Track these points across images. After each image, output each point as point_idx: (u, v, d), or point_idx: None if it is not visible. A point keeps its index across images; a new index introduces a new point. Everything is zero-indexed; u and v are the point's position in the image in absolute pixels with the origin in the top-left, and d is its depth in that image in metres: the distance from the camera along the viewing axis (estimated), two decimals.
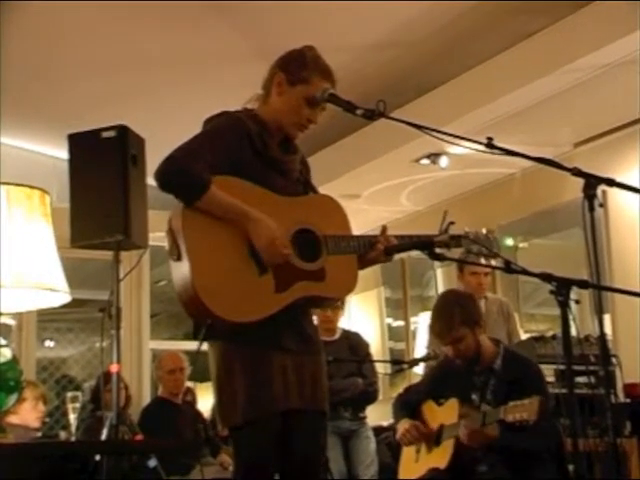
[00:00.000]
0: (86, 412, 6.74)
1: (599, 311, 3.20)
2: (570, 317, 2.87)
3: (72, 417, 4.24)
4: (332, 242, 3.29)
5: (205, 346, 3.25)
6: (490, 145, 3.06)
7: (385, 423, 7.03)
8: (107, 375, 4.96)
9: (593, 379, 4.94)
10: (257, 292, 3.13)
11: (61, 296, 3.69)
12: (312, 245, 3.26)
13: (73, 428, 4.26)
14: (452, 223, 3.47)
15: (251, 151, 3.25)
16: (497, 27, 6.10)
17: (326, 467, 5.57)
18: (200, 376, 7.51)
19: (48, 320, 10.03)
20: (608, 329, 6.59)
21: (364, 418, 6.86)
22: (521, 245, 8.17)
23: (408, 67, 6.73)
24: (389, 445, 6.67)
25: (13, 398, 3.34)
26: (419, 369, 6.96)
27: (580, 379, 4.90)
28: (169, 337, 10.85)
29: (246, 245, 3.14)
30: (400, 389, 5.28)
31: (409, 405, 4.86)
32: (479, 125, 6.59)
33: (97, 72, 6.69)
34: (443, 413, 4.62)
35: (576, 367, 4.31)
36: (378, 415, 7.17)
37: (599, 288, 3.09)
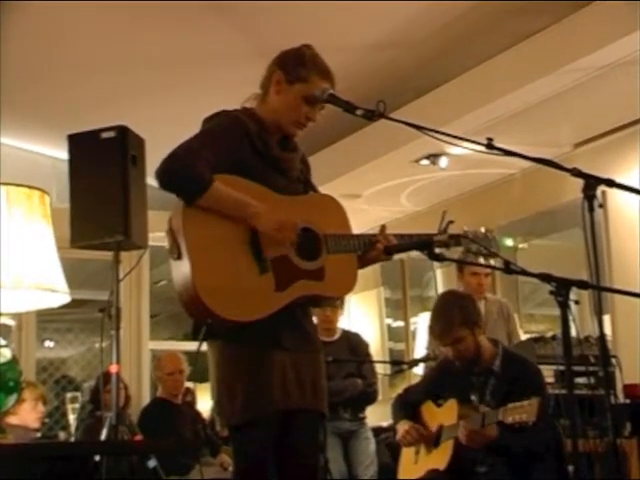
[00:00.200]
0: (85, 412, 6.74)
1: (599, 312, 3.21)
2: (570, 318, 2.87)
3: (71, 417, 4.25)
4: (332, 241, 3.29)
5: (204, 346, 3.25)
6: (490, 146, 3.06)
7: (385, 424, 7.03)
8: (107, 375, 4.96)
9: (593, 380, 4.95)
10: (257, 291, 3.13)
11: (61, 296, 3.68)
12: (312, 244, 3.27)
13: (72, 428, 4.27)
14: (451, 222, 3.48)
15: (251, 150, 3.25)
16: (497, 27, 6.09)
17: (326, 467, 5.58)
18: (200, 376, 7.49)
19: (48, 320, 10.03)
20: (608, 330, 6.59)
21: (364, 419, 6.86)
22: (521, 246, 8.17)
23: (408, 67, 6.73)
24: (389, 446, 6.68)
25: (13, 399, 3.34)
26: (419, 370, 6.96)
27: (580, 380, 4.92)
28: (169, 337, 10.85)
29: (247, 244, 3.14)
30: (400, 390, 5.28)
31: (408, 406, 4.86)
32: (479, 125, 6.59)
33: (97, 72, 6.69)
34: (442, 414, 4.62)
35: (576, 368, 4.34)
36: (378, 416, 7.17)
37: (599, 289, 3.09)
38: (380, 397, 7.11)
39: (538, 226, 7.94)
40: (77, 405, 4.31)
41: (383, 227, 3.43)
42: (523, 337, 6.63)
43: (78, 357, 10.33)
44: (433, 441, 4.62)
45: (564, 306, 2.87)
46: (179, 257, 3.09)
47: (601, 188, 2.93)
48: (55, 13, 5.86)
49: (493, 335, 5.35)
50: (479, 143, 3.05)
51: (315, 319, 5.97)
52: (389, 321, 9.77)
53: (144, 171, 4.83)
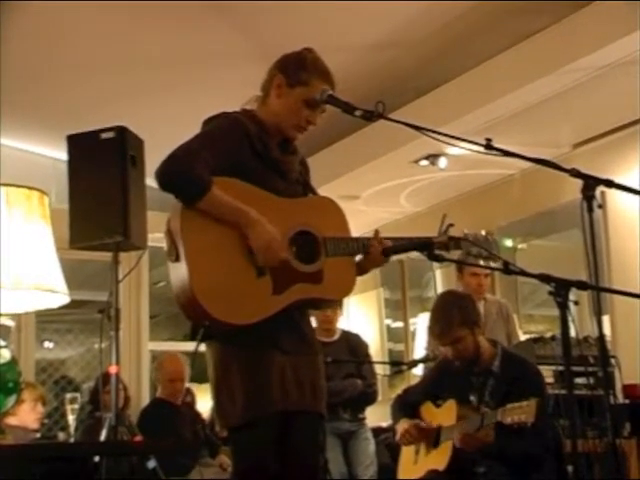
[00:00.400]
0: (85, 413, 6.73)
1: (598, 312, 3.21)
2: (569, 318, 2.87)
3: (71, 418, 4.23)
4: (331, 244, 3.28)
5: (203, 347, 3.24)
6: (489, 146, 3.06)
7: (384, 424, 7.03)
8: (106, 376, 4.96)
9: (592, 380, 4.95)
10: (255, 294, 3.12)
11: (60, 297, 3.69)
12: (311, 247, 3.26)
13: (72, 429, 4.25)
14: (451, 225, 3.48)
15: (251, 152, 3.25)
16: (496, 28, 6.09)
17: (325, 468, 5.58)
18: (199, 377, 7.49)
19: (47, 321, 10.02)
20: (607, 330, 6.59)
21: (363, 419, 6.86)
22: (520, 246, 8.17)
23: (407, 68, 6.73)
24: (388, 446, 6.68)
25: (12, 399, 3.34)
26: (418, 370, 6.96)
27: (579, 380, 4.91)
28: (168, 338, 10.83)
29: (244, 247, 3.13)
30: (399, 390, 5.28)
31: (408, 406, 4.86)
32: (478, 126, 6.59)
33: (96, 73, 6.69)
34: (441, 414, 4.62)
35: (575, 368, 4.33)
36: (377, 416, 7.17)
37: (598, 289, 3.09)
38: (380, 397, 7.10)
39: (537, 227, 7.94)
40: (76, 406, 4.30)
41: (377, 232, 3.42)
42: (522, 337, 6.63)
43: (77, 358, 10.32)
44: (432, 441, 4.62)
45: (563, 307, 2.87)
46: (177, 259, 3.09)
47: (600, 188, 2.93)
48: (55, 13, 5.86)
49: (492, 336, 5.36)
50: (478, 144, 3.05)
51: (314, 320, 6.01)
52: (388, 322, 9.77)
53: (143, 172, 4.83)
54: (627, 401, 5.75)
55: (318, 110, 3.33)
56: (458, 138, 3.15)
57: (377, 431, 7.08)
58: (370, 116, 3.21)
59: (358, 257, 3.41)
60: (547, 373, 5.42)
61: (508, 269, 3.12)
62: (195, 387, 7.88)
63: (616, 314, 6.80)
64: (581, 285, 2.94)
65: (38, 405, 5.98)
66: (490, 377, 4.56)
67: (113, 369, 4.64)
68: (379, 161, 7.58)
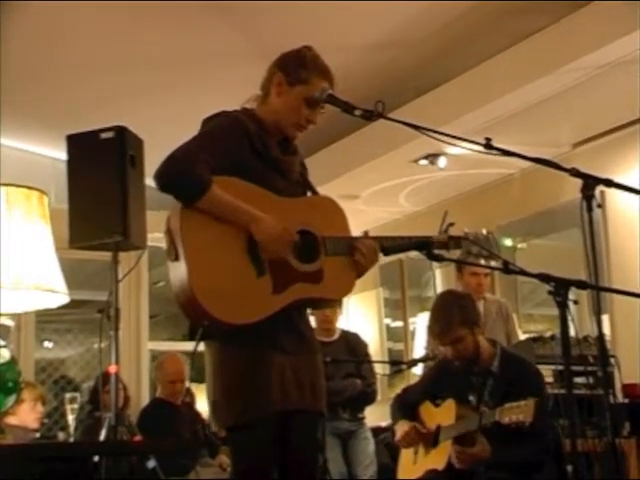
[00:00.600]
0: (84, 413, 6.73)
1: (597, 312, 3.21)
2: (569, 318, 2.87)
3: (71, 418, 4.24)
4: (330, 243, 3.28)
5: (202, 346, 3.24)
6: (488, 146, 3.06)
7: (384, 424, 7.02)
8: (106, 376, 4.96)
9: (592, 379, 4.95)
10: (255, 294, 3.12)
11: (60, 297, 3.69)
12: (311, 246, 3.26)
13: (72, 429, 4.26)
14: (452, 224, 3.48)
15: (251, 151, 3.25)
16: (496, 27, 6.09)
17: (325, 468, 5.58)
18: (199, 377, 7.49)
19: (47, 321, 10.03)
20: (606, 329, 6.60)
21: (363, 419, 6.86)
22: (520, 246, 8.17)
23: (407, 67, 6.73)
24: (388, 446, 6.67)
25: (12, 399, 3.34)
26: (418, 370, 6.96)
27: (579, 379, 4.91)
28: (168, 338, 10.84)
29: (244, 246, 3.13)
30: (399, 390, 5.28)
31: (407, 406, 4.86)
32: (478, 125, 6.59)
33: (96, 73, 6.69)
34: (440, 414, 4.62)
35: (575, 367, 4.34)
36: (377, 416, 7.17)
37: (597, 289, 3.10)
38: (379, 397, 7.11)
39: (537, 226, 7.94)
40: (76, 405, 4.30)
41: (365, 233, 3.42)
42: (522, 337, 6.63)
43: (77, 357, 10.33)
44: (432, 441, 4.61)
45: (563, 306, 2.87)
46: (176, 258, 3.09)
47: (600, 188, 2.93)
48: (55, 13, 5.86)
49: (492, 335, 5.36)
50: (478, 143, 3.05)
51: (314, 319, 6.01)
52: (388, 321, 9.77)
53: (143, 172, 4.83)
54: (626, 400, 5.75)
55: (318, 109, 3.32)
56: (458, 138, 3.15)
57: (376, 431, 7.08)
58: (370, 116, 3.21)
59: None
60: (547, 372, 5.41)
61: (508, 269, 3.12)
62: (195, 387, 7.88)
63: (616, 313, 6.80)
64: (581, 284, 2.95)
65: (38, 405, 5.99)
66: (489, 377, 4.56)
67: (112, 369, 4.64)
68: (379, 161, 7.58)
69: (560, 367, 5.64)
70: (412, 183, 8.22)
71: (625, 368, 5.63)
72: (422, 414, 4.77)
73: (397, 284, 9.46)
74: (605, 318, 6.70)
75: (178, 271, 3.09)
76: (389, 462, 6.10)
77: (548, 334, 6.14)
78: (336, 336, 6.86)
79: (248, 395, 3.13)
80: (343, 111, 3.26)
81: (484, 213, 8.03)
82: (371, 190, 8.32)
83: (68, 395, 4.32)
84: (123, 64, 6.59)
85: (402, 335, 9.45)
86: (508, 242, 7.99)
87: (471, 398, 4.58)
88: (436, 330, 4.63)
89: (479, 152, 3.13)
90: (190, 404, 7.51)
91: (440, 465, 4.47)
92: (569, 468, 4.56)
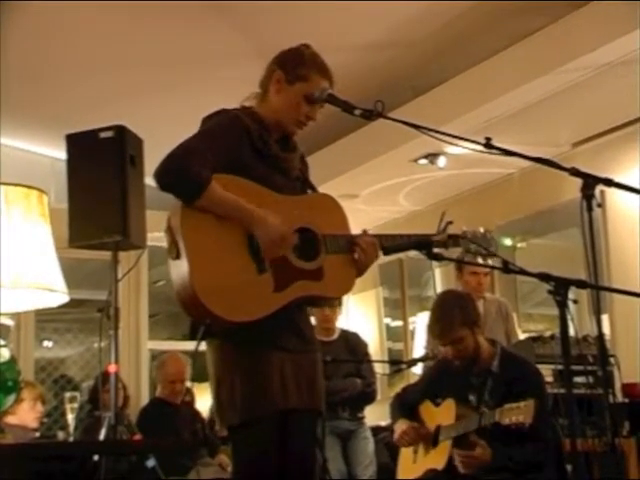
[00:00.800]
0: (84, 412, 6.74)
1: (597, 311, 3.21)
2: (568, 317, 2.87)
3: (70, 417, 4.23)
4: (331, 241, 3.28)
5: (203, 345, 3.24)
6: (488, 145, 3.06)
7: (383, 423, 7.03)
8: (105, 375, 4.96)
9: (591, 379, 4.94)
10: (256, 291, 3.12)
11: (59, 296, 3.69)
12: (311, 244, 3.26)
13: (71, 428, 4.25)
14: (450, 223, 3.48)
15: (250, 149, 3.25)
16: (495, 27, 6.10)
17: (325, 467, 5.58)
18: (199, 376, 7.49)
19: (46, 320, 10.02)
20: (606, 329, 6.60)
21: (362, 418, 6.86)
22: (519, 245, 8.17)
23: (406, 67, 6.73)
24: (387, 445, 6.67)
25: (11, 398, 3.34)
26: (417, 369, 6.96)
27: (578, 379, 4.90)
28: (168, 337, 10.84)
29: (245, 244, 3.13)
30: (398, 389, 5.27)
31: (406, 405, 4.86)
32: (477, 125, 6.59)
33: (96, 72, 6.69)
34: (440, 414, 4.61)
35: (574, 367, 4.33)
36: (376, 415, 7.17)
37: (597, 288, 3.09)
38: (379, 397, 7.10)
39: (537, 225, 7.94)
40: (76, 405, 4.30)
41: (364, 232, 3.41)
42: (521, 336, 6.63)
43: (77, 357, 10.33)
44: (431, 441, 4.61)
45: (562, 305, 2.86)
46: (177, 256, 3.09)
47: (599, 187, 2.93)
48: (55, 13, 5.86)
49: (492, 334, 5.35)
50: (477, 142, 3.05)
51: (313, 319, 6.00)
52: (388, 321, 9.77)
53: (142, 171, 4.83)
54: (626, 400, 5.75)
55: (317, 106, 3.33)
56: (457, 137, 3.15)
57: (376, 430, 7.08)
58: (369, 115, 3.21)
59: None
60: (546, 372, 5.42)
61: (507, 268, 3.12)
62: (195, 386, 7.88)
63: (615, 313, 6.80)
64: (580, 284, 2.94)
65: (37, 404, 5.99)
66: (489, 377, 4.55)
67: (112, 368, 4.64)
68: (378, 160, 7.59)
69: (560, 367, 5.64)
70: (412, 182, 8.22)
71: (625, 368, 5.63)
72: (422, 413, 4.76)
73: (397, 283, 9.46)
74: (605, 318, 6.70)
75: (179, 269, 3.09)
76: (389, 462, 6.10)
77: (548, 333, 6.15)
78: (336, 336, 6.86)
79: (249, 394, 3.13)
80: (343, 110, 3.26)
81: (484, 212, 8.03)
82: (371, 189, 8.32)
83: (68, 394, 4.32)
84: (123, 64, 6.59)
85: (402, 334, 9.45)
86: (508, 241, 8.00)
87: (471, 398, 4.57)
88: (436, 330, 4.63)
89: (479, 151, 3.13)
90: (190, 403, 7.51)
91: (440, 465, 4.47)
92: (569, 468, 4.56)
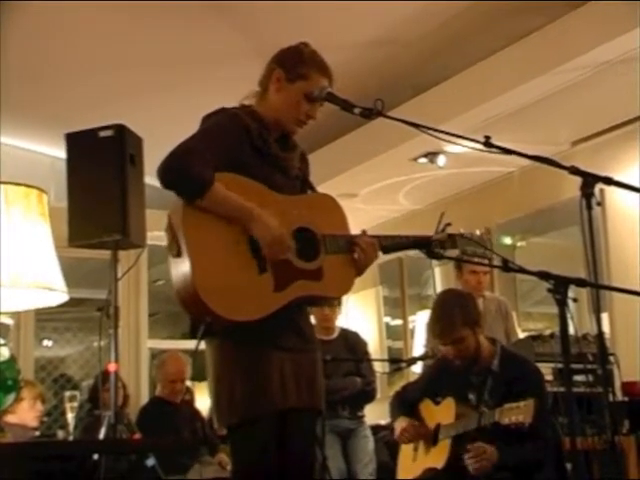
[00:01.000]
0: (84, 411, 6.74)
1: (597, 309, 3.21)
2: (568, 316, 2.87)
3: (70, 416, 4.24)
4: (330, 241, 3.28)
5: (203, 344, 3.24)
6: (488, 144, 3.05)
7: (383, 422, 7.03)
8: (105, 374, 4.96)
9: (591, 377, 4.94)
10: (256, 291, 3.12)
11: (59, 295, 3.69)
12: (311, 244, 3.26)
13: (71, 427, 4.26)
14: (448, 224, 3.47)
15: (250, 148, 3.24)
16: (494, 26, 6.10)
17: (324, 466, 5.58)
18: (198, 375, 7.50)
19: (46, 319, 10.03)
20: (606, 327, 6.61)
21: (362, 417, 6.86)
22: (519, 244, 8.18)
23: (405, 66, 6.73)
24: (387, 444, 6.67)
25: (11, 397, 3.35)
26: (417, 368, 6.96)
27: (578, 377, 4.90)
28: (167, 336, 10.85)
29: (246, 243, 3.13)
30: (398, 388, 5.27)
31: (406, 404, 4.85)
32: (477, 124, 6.59)
33: (96, 71, 6.69)
34: (440, 412, 4.61)
35: (574, 366, 4.33)
36: (376, 414, 7.17)
37: (597, 287, 3.09)
38: (379, 395, 7.10)
39: (536, 224, 7.95)
40: (75, 404, 4.30)
41: (364, 232, 3.41)
42: (521, 335, 6.63)
43: (76, 356, 10.34)
44: (431, 439, 4.61)
45: (562, 304, 2.87)
46: (178, 255, 3.08)
47: (599, 186, 2.93)
48: (55, 13, 5.87)
49: (491, 333, 5.35)
50: (477, 141, 3.05)
51: (313, 318, 6.00)
52: (387, 319, 9.78)
53: (142, 170, 4.82)
54: (626, 398, 5.75)
55: (317, 104, 3.32)
56: (457, 135, 3.15)
57: (376, 429, 7.08)
58: (369, 114, 3.21)
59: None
60: (546, 371, 5.42)
61: (507, 266, 3.13)
62: (194, 385, 7.88)
63: (615, 312, 6.80)
64: (580, 282, 2.94)
65: (37, 403, 5.99)
66: (489, 376, 4.55)
67: (112, 367, 4.64)
68: (378, 159, 7.59)
69: (559, 365, 5.63)
70: (411, 181, 8.22)
71: (624, 366, 5.63)
72: (422, 412, 4.76)
73: (396, 282, 9.47)
74: (604, 316, 6.70)
75: (180, 267, 3.08)
76: (388, 460, 6.10)
77: (547, 332, 6.15)
78: (335, 334, 6.86)
79: (249, 393, 3.13)
80: (342, 109, 3.25)
81: (483, 211, 8.03)
82: (370, 188, 8.32)
83: (67, 393, 4.33)
84: (122, 63, 6.59)
85: (401, 333, 9.46)
86: (507, 240, 8.01)
87: (471, 397, 4.57)
88: (437, 330, 4.61)
89: (478, 150, 3.13)
90: (190, 402, 7.51)
91: (439, 463, 4.47)
92: (568, 466, 4.56)
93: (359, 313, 9.71)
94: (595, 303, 3.17)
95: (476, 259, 3.64)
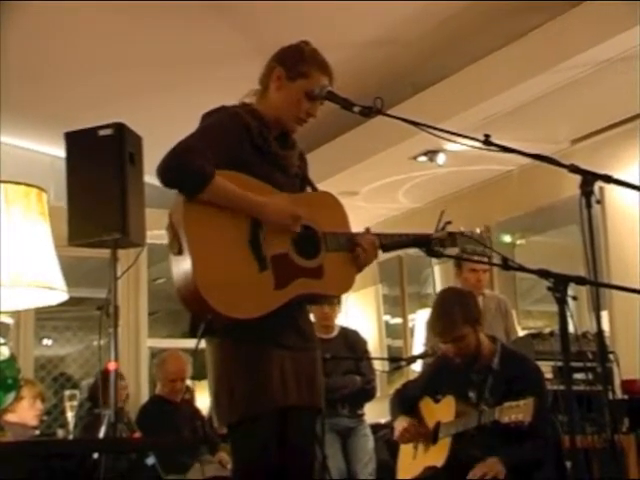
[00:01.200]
0: (84, 410, 6.74)
1: (597, 308, 3.21)
2: (568, 314, 2.87)
3: (70, 415, 4.25)
4: (331, 239, 3.28)
5: (203, 343, 3.24)
6: (487, 142, 3.06)
7: (383, 420, 7.02)
8: (106, 373, 4.96)
9: (591, 376, 4.95)
10: (257, 289, 3.12)
11: (59, 294, 3.69)
12: (311, 242, 3.26)
13: (71, 426, 4.27)
14: (449, 223, 3.48)
15: (250, 146, 3.25)
16: (494, 25, 6.10)
17: (324, 464, 5.58)
18: (198, 374, 7.50)
19: (46, 318, 10.04)
20: (606, 326, 6.62)
21: (362, 415, 6.86)
22: (519, 242, 8.18)
23: (405, 64, 6.73)
24: (387, 442, 6.67)
25: (11, 396, 3.35)
26: (417, 366, 6.96)
27: (578, 376, 4.91)
28: (167, 335, 10.85)
29: (247, 241, 3.13)
30: (398, 386, 5.27)
31: (406, 402, 4.85)
32: (476, 122, 6.59)
33: (95, 71, 6.69)
34: (440, 410, 4.61)
35: (574, 364, 4.32)
36: (376, 412, 7.17)
37: (596, 285, 3.10)
38: (378, 394, 7.10)
39: (536, 222, 7.95)
40: (75, 403, 4.31)
41: (367, 230, 3.42)
42: (521, 333, 6.63)
43: (76, 355, 10.34)
44: (431, 438, 4.61)
45: (562, 302, 2.87)
46: (179, 252, 3.08)
47: (599, 184, 2.93)
48: (55, 13, 5.87)
49: (491, 331, 5.35)
50: (477, 139, 3.05)
51: (313, 316, 6.01)
52: (387, 318, 9.78)
53: (142, 169, 4.82)
54: (626, 397, 5.76)
55: (318, 102, 3.32)
56: (456, 134, 3.15)
57: (376, 427, 7.08)
58: (368, 112, 3.21)
59: None
60: (546, 369, 5.42)
61: (507, 265, 3.13)
62: (195, 384, 7.88)
63: (615, 310, 6.81)
64: (580, 280, 2.95)
65: (37, 402, 5.99)
66: (489, 374, 4.55)
67: (112, 366, 4.64)
68: (377, 157, 7.59)
69: (559, 363, 5.63)
70: (411, 180, 8.23)
71: (624, 364, 5.63)
72: (422, 410, 4.76)
73: (396, 281, 9.47)
74: (604, 314, 6.70)
75: (182, 265, 3.08)
76: (388, 459, 6.10)
77: (547, 330, 6.15)
78: (335, 333, 6.86)
79: (249, 392, 3.13)
80: (342, 108, 3.26)
81: (483, 210, 8.03)
82: (370, 187, 8.33)
83: (67, 392, 4.34)
84: (122, 63, 6.59)
85: (401, 332, 9.46)
86: (507, 238, 8.01)
87: (471, 395, 4.57)
88: (438, 328, 4.61)
89: (478, 148, 3.13)
90: (190, 401, 7.51)
91: (439, 462, 4.47)
92: (568, 464, 4.57)
93: (359, 311, 9.72)
94: (595, 301, 3.17)
95: (476, 257, 3.65)
